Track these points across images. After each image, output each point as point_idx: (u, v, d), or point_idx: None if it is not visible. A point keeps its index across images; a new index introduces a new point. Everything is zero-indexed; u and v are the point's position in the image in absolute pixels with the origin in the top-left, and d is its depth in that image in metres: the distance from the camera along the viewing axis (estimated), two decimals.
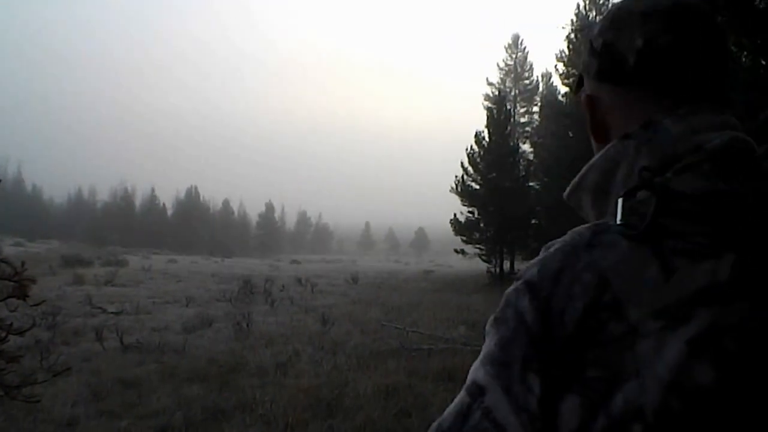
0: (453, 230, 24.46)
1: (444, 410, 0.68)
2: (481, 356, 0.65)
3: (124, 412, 6.02)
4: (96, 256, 32.34)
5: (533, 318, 0.61)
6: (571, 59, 26.16)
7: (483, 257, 24.37)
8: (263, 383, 7.06)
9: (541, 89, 39.55)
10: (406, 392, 6.51)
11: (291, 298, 16.48)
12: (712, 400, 0.53)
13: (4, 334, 4.53)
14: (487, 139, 24.37)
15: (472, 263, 26.97)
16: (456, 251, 25.19)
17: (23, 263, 4.54)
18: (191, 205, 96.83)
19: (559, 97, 29.27)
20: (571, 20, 25.98)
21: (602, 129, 0.79)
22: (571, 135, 21.13)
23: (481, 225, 24.02)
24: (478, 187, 24.27)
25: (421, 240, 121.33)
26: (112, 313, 12.86)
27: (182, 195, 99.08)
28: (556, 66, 29.92)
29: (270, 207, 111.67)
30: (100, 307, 13.36)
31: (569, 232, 0.67)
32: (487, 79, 41.10)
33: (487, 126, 24.56)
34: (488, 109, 27.20)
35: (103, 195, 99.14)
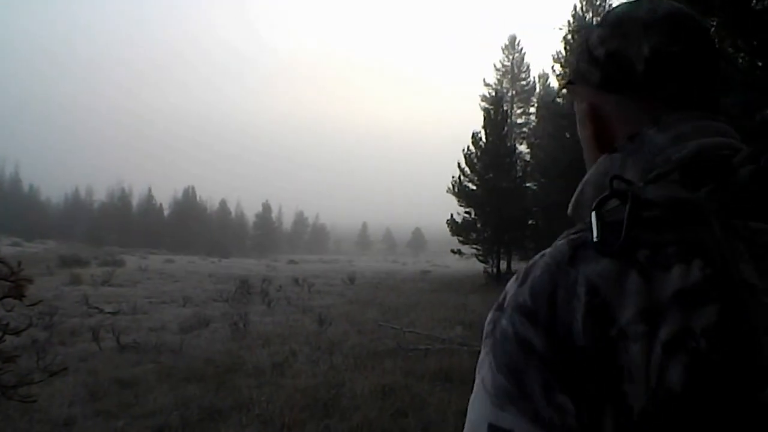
0: (450, 231, 24.47)
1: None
2: (487, 401, 0.62)
3: (121, 412, 6.01)
4: (93, 256, 32.32)
5: (542, 343, 0.60)
6: (567, 60, 26.20)
7: (480, 257, 24.38)
8: (260, 383, 7.06)
9: (537, 90, 39.56)
10: (402, 392, 6.52)
11: (288, 299, 16.47)
12: (683, 401, 0.54)
13: (0, 334, 4.53)
14: (484, 139, 24.39)
15: (469, 263, 27.00)
16: (453, 251, 25.19)
17: (20, 263, 4.55)
18: (188, 205, 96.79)
19: (556, 98, 29.26)
20: (568, 21, 26.00)
21: (607, 139, 0.78)
22: (568, 136, 21.15)
23: (478, 225, 24.05)
24: (474, 187, 24.29)
25: (418, 240, 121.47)
26: (109, 313, 12.85)
27: (179, 195, 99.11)
28: (553, 67, 29.94)
29: (267, 207, 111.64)
30: (96, 307, 13.34)
31: (547, 253, 0.66)
32: (484, 79, 41.15)
33: (484, 127, 24.58)
34: (485, 109, 27.21)
35: (100, 195, 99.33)
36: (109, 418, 5.83)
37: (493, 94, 30.02)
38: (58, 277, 20.67)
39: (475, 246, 24.34)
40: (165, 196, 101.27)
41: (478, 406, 0.63)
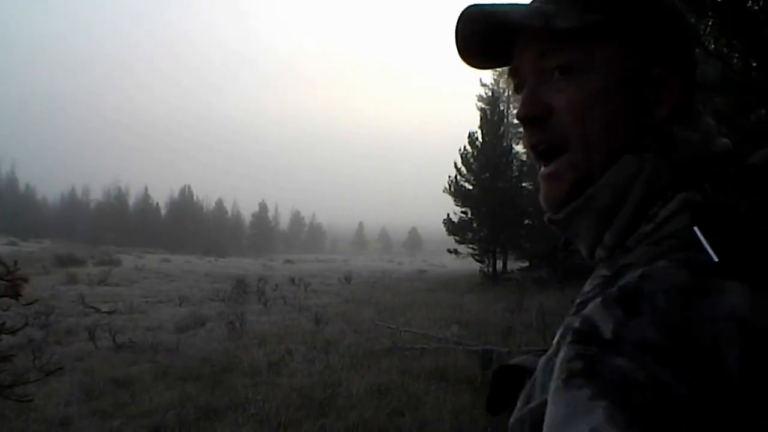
0: (446, 230, 24.47)
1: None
2: None
3: (117, 411, 6.02)
4: (89, 256, 32.22)
5: (692, 388, 0.48)
6: None
7: (476, 257, 24.38)
8: (256, 382, 7.06)
9: None
10: (398, 391, 6.53)
11: (284, 298, 16.46)
12: None
13: None
14: (480, 139, 24.38)
15: (465, 263, 27.00)
16: (449, 251, 25.19)
17: (16, 262, 4.54)
18: (185, 204, 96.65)
19: None
20: None
21: (630, 127, 0.69)
22: None
23: (474, 225, 24.04)
24: (471, 187, 24.28)
25: (414, 240, 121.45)
26: (105, 312, 12.82)
27: (176, 194, 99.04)
28: None
29: (263, 207, 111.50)
30: (93, 307, 13.33)
31: (658, 278, 0.55)
32: (480, 79, 41.07)
33: (480, 127, 24.57)
34: (482, 109, 27.21)
35: (97, 194, 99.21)
36: (105, 417, 5.83)
37: (490, 94, 30.00)
38: (55, 276, 20.61)
39: (471, 246, 24.33)
40: (162, 196, 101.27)
41: None
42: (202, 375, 7.38)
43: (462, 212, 24.35)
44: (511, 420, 0.88)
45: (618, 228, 0.66)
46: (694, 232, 0.55)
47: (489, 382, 0.96)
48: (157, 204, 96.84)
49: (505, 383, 0.93)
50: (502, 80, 41.30)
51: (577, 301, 0.68)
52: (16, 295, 4.40)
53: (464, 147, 24.53)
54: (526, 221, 24.04)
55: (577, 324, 0.56)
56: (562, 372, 0.53)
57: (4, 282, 4.33)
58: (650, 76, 0.67)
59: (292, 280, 22.35)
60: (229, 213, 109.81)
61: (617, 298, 0.55)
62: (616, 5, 0.67)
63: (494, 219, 22.76)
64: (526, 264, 25.23)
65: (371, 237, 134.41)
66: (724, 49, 5.96)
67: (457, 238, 24.14)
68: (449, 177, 24.50)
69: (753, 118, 6.17)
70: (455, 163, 24.60)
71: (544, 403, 0.55)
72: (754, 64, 6.45)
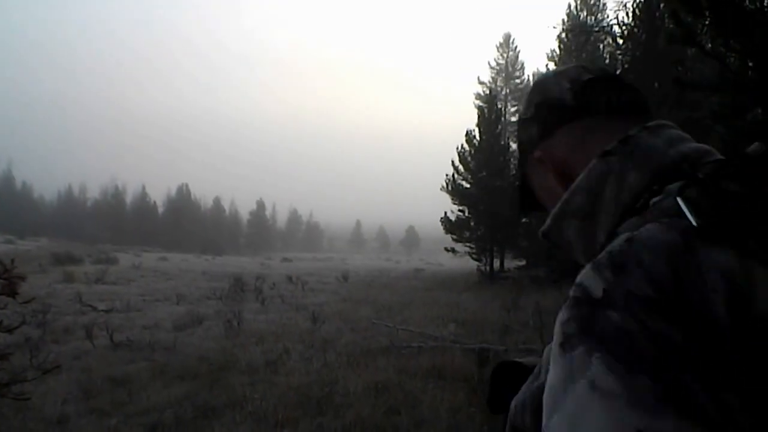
0: (443, 229, 24.48)
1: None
2: (623, 405, 0.50)
3: (115, 410, 6.02)
4: (86, 254, 32.23)
5: (683, 334, 0.52)
6: (562, 59, 26.26)
7: (473, 256, 24.40)
8: (253, 381, 7.06)
9: None
10: (395, 390, 6.53)
11: (282, 296, 16.47)
12: None
13: None
14: (477, 138, 24.39)
15: (463, 261, 27.02)
16: (446, 250, 25.21)
17: (13, 260, 4.53)
18: (182, 203, 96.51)
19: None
20: (563, 20, 26.13)
21: (567, 173, 0.78)
22: None
23: (472, 224, 24.05)
24: (468, 185, 24.29)
25: (411, 238, 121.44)
26: (102, 310, 12.83)
27: (173, 193, 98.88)
28: (547, 65, 29.97)
29: (261, 205, 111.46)
30: (90, 305, 13.32)
31: (645, 237, 0.59)
32: (478, 78, 41.36)
33: (477, 125, 24.58)
34: (479, 108, 27.21)
35: (94, 192, 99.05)
36: (102, 416, 5.83)
37: (487, 92, 29.96)
38: (51, 274, 20.61)
39: (468, 244, 24.35)
40: (159, 194, 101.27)
41: (604, 415, 0.50)
42: (199, 373, 7.38)
43: (459, 211, 24.37)
44: (513, 403, 0.90)
45: (607, 224, 0.70)
46: (678, 202, 0.60)
47: (488, 380, 0.99)
48: (155, 202, 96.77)
49: (504, 381, 0.98)
50: (499, 78, 41.38)
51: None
52: (13, 294, 4.39)
53: (462, 145, 24.54)
54: (524, 220, 24.05)
55: (570, 292, 0.60)
56: (558, 337, 0.57)
57: (1, 280, 4.33)
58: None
59: (290, 278, 22.37)
60: (227, 211, 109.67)
61: (605, 261, 0.59)
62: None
63: (491, 217, 22.78)
64: (523, 263, 25.27)
65: (369, 235, 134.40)
66: (721, 49, 5.97)
67: (455, 236, 24.15)
68: (447, 175, 24.53)
69: (749, 118, 6.19)
70: (453, 162, 24.61)
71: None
72: (751, 64, 6.46)
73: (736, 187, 0.61)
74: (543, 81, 0.88)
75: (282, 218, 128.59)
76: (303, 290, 18.85)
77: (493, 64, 41.93)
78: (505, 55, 41.88)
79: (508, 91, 41.19)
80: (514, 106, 40.87)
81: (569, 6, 26.20)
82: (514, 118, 39.73)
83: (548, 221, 0.77)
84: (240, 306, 13.46)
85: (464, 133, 24.66)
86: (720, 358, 0.51)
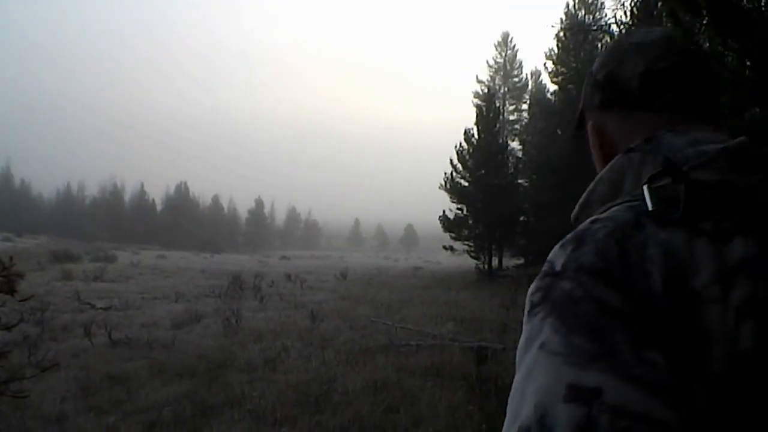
0: (442, 227, 24.49)
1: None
2: (561, 362, 0.57)
3: (113, 407, 6.02)
4: (85, 252, 32.22)
5: (620, 300, 0.59)
6: (560, 58, 26.26)
7: (472, 254, 24.41)
8: (252, 379, 7.07)
9: (530, 87, 39.65)
10: (394, 388, 6.54)
11: (280, 294, 16.48)
12: (754, 364, 0.57)
13: None
14: (476, 136, 24.39)
15: (461, 260, 27.03)
16: (445, 248, 25.23)
17: (11, 258, 4.53)
18: (181, 201, 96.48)
19: (548, 95, 29.40)
20: (561, 19, 26.10)
21: (610, 153, 0.83)
22: (559, 133, 21.22)
23: (470, 222, 24.06)
24: (467, 184, 24.29)
25: (410, 237, 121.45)
26: (100, 308, 12.82)
27: (172, 191, 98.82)
28: (545, 64, 30.08)
29: (260, 203, 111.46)
30: (88, 303, 13.32)
31: (604, 218, 0.67)
32: (476, 76, 41.39)
33: (476, 123, 24.58)
34: (477, 106, 27.20)
35: (93, 191, 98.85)
36: (101, 413, 5.83)
37: (486, 90, 29.97)
38: (50, 272, 20.59)
39: (467, 242, 24.36)
40: (157, 192, 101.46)
41: (546, 370, 0.57)
42: (198, 371, 7.38)
43: (458, 209, 24.38)
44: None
45: None
46: (643, 188, 0.67)
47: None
48: (153, 200, 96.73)
49: None
50: (498, 77, 41.39)
51: None
52: (11, 291, 4.39)
53: (460, 144, 24.55)
54: (522, 218, 24.11)
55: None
56: (527, 306, 0.65)
57: None
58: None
59: (288, 276, 22.37)
60: (225, 209, 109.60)
61: (570, 238, 0.67)
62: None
63: (490, 216, 22.79)
64: (522, 261, 25.30)
65: (367, 234, 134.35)
66: (719, 48, 5.98)
67: (453, 234, 24.17)
68: (445, 174, 24.54)
69: (748, 117, 6.19)
70: (451, 160, 24.62)
71: None
72: (749, 63, 6.47)
73: (706, 176, 0.66)
74: (624, 50, 0.84)
75: (280, 216, 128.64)
76: (301, 288, 18.85)
77: (492, 63, 41.99)
78: (503, 54, 41.90)
79: (506, 89, 41.20)
80: (512, 104, 40.92)
81: (567, 5, 26.15)
82: (512, 117, 39.81)
83: (576, 208, 0.81)
84: (238, 304, 13.47)
85: (463, 131, 24.68)
86: (650, 321, 0.58)
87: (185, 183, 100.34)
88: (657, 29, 0.83)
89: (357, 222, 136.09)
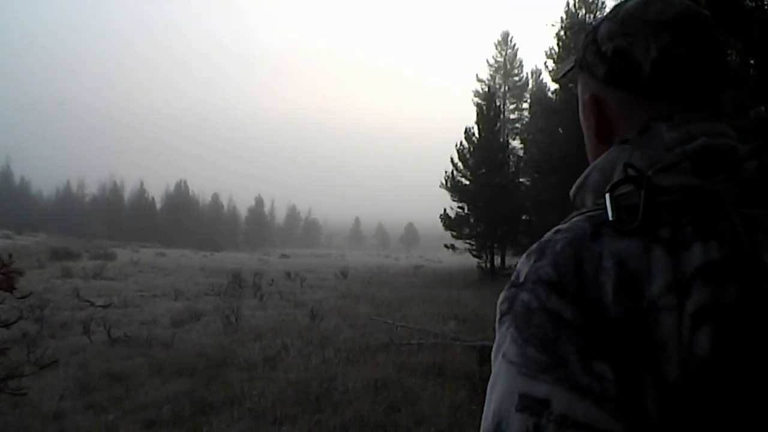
0: (443, 225, 24.49)
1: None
2: (515, 372, 0.60)
3: (112, 405, 5.99)
4: (84, 249, 32.22)
5: (572, 314, 0.60)
6: (561, 56, 26.23)
7: (473, 252, 24.41)
8: (252, 377, 7.04)
9: (530, 86, 39.64)
10: (395, 387, 6.51)
11: (280, 293, 16.46)
12: (711, 370, 0.57)
13: None
14: (476, 135, 24.40)
15: (462, 258, 27.04)
16: (446, 246, 25.23)
17: (11, 255, 4.51)
18: (180, 199, 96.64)
19: (549, 94, 29.33)
20: (561, 18, 26.08)
21: (607, 131, 0.81)
22: (560, 131, 21.18)
23: (471, 220, 24.06)
24: (467, 182, 24.29)
25: (410, 235, 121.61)
26: (100, 306, 12.80)
27: (171, 189, 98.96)
28: (545, 63, 29.97)
29: (259, 201, 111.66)
30: (87, 301, 13.29)
31: (564, 229, 0.68)
32: (477, 75, 41.29)
33: (477, 122, 24.59)
34: (478, 105, 27.21)
35: (92, 189, 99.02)
36: (99, 411, 5.80)
37: (486, 89, 29.96)
38: (49, 270, 20.57)
39: (468, 241, 24.36)
40: (157, 190, 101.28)
41: (504, 380, 0.61)
42: (197, 369, 7.35)
43: (459, 208, 24.39)
44: None
45: None
46: (605, 197, 0.67)
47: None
48: (153, 198, 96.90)
49: None
50: (498, 76, 41.40)
51: None
52: (10, 289, 4.37)
53: (461, 142, 24.55)
54: (524, 216, 24.10)
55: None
56: (497, 314, 0.68)
57: None
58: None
59: (288, 274, 22.36)
60: (225, 208, 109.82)
61: (534, 249, 0.68)
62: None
63: (491, 214, 22.79)
64: None
65: (368, 232, 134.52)
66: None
67: (454, 233, 24.17)
68: (446, 172, 24.55)
69: (752, 115, 6.18)
70: (452, 159, 24.64)
71: None
72: (752, 62, 6.45)
73: (669, 180, 0.66)
74: (637, 26, 0.76)
75: (280, 215, 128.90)
76: (301, 286, 18.84)
77: (492, 61, 42.01)
78: (503, 53, 41.93)
79: (506, 88, 41.23)
80: (513, 103, 40.92)
81: (568, 4, 26.14)
82: (513, 116, 39.81)
83: (573, 188, 0.82)
84: (238, 302, 13.45)
85: (463, 130, 24.67)
86: (601, 332, 0.59)
87: (185, 181, 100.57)
88: (674, 2, 0.76)
89: (357, 220, 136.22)
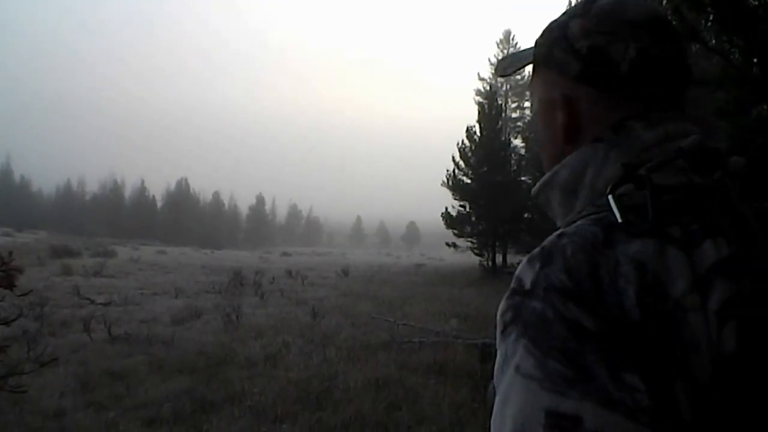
0: (444, 224, 24.46)
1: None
2: (538, 387, 0.56)
3: (112, 403, 5.98)
4: (84, 247, 32.23)
5: (594, 323, 0.58)
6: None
7: (475, 251, 24.40)
8: (252, 375, 7.03)
9: None
10: (396, 385, 6.50)
11: (281, 291, 16.45)
12: (739, 366, 0.57)
13: None
14: (478, 133, 24.38)
15: (464, 257, 27.03)
16: (447, 245, 25.20)
17: (11, 253, 4.51)
18: (181, 197, 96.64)
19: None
20: None
21: (574, 130, 0.79)
22: None
23: (473, 219, 24.04)
24: (469, 181, 24.28)
25: (412, 233, 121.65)
26: (100, 304, 12.79)
27: (172, 187, 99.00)
28: None
29: (261, 199, 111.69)
30: (88, 298, 13.29)
31: (571, 233, 0.66)
32: (478, 74, 41.31)
33: (478, 121, 24.57)
34: (480, 104, 27.19)
35: (93, 187, 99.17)
36: (100, 409, 5.80)
37: (488, 88, 29.96)
38: (49, 267, 20.57)
39: (470, 239, 24.36)
40: (158, 188, 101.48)
41: (523, 396, 0.57)
42: (197, 368, 7.34)
43: (460, 206, 24.37)
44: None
45: (582, 202, 0.74)
46: (608, 199, 0.65)
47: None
48: (153, 196, 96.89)
49: None
50: None
51: None
52: (10, 286, 4.37)
53: (462, 141, 24.53)
54: (526, 215, 24.07)
55: (511, 284, 0.66)
56: (499, 326, 0.65)
57: None
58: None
59: (289, 273, 22.36)
60: (226, 206, 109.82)
61: (537, 254, 0.66)
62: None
63: (493, 213, 22.78)
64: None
65: (369, 231, 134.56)
66: (725, 45, 5.94)
67: (456, 231, 24.16)
68: (447, 171, 24.52)
69: (754, 114, 6.15)
70: (453, 157, 24.61)
71: None
72: (755, 60, 6.43)
73: (666, 179, 0.65)
74: (614, 24, 0.76)
75: (281, 213, 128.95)
76: (302, 285, 18.83)
77: (493, 60, 41.88)
78: (505, 52, 41.83)
79: (508, 87, 41.20)
80: (514, 102, 40.91)
81: (569, 3, 26.16)
82: (515, 114, 39.78)
83: (538, 185, 0.82)
84: (239, 300, 13.44)
85: (465, 129, 24.65)
86: (626, 341, 0.57)
87: (186, 179, 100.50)
88: (646, 4, 0.77)
89: (359, 219, 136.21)
